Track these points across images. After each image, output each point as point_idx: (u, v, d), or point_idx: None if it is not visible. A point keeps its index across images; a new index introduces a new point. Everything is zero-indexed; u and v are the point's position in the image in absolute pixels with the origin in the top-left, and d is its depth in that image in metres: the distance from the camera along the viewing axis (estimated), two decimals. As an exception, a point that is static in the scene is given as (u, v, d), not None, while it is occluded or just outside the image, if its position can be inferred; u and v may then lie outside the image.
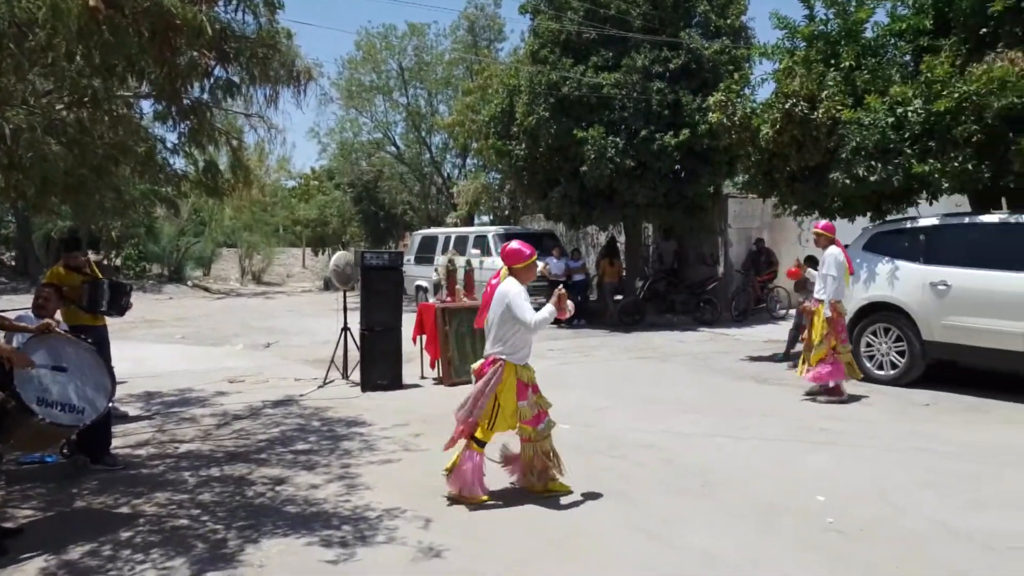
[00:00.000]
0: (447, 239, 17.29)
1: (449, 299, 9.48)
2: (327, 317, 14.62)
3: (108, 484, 5.34)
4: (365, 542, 4.27)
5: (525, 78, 14.89)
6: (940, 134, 8.62)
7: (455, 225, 22.39)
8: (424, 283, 17.08)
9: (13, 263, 28.00)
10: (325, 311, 17.82)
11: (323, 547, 4.21)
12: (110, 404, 5.12)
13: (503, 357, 4.86)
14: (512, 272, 4.96)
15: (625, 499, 4.95)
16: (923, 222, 8.84)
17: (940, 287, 8.19)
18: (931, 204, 9.69)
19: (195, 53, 5.06)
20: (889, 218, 9.67)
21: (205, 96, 5.71)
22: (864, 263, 8.92)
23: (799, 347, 10.26)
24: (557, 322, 15.21)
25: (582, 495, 4.97)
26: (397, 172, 28.50)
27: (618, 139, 13.68)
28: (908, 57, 9.87)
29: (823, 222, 8.44)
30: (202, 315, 18.99)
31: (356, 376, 8.92)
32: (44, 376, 4.58)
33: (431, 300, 9.96)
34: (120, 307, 6.18)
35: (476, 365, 5.04)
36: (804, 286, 10.31)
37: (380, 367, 8.75)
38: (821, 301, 8.00)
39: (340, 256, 9.85)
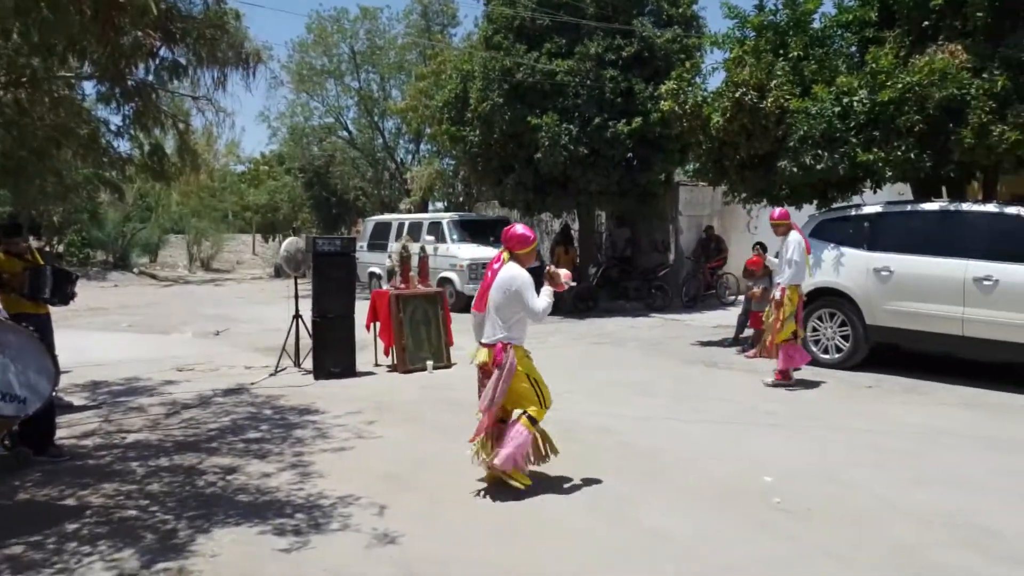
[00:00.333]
0: (401, 225, 17.16)
1: (403, 286, 9.42)
2: (278, 304, 14.44)
3: (52, 476, 5.21)
4: (319, 530, 4.25)
5: (479, 64, 14.82)
6: (884, 124, 8.84)
7: (409, 211, 22.24)
8: (377, 270, 16.96)
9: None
10: (276, 298, 17.58)
11: (276, 535, 4.18)
12: (54, 393, 4.98)
13: (512, 341, 4.83)
14: (514, 257, 4.90)
15: (582, 482, 5.00)
16: (867, 210, 9.07)
17: (883, 273, 8.43)
18: (875, 192, 9.95)
19: (140, 33, 4.93)
20: (835, 206, 9.89)
21: (150, 77, 5.58)
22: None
23: (748, 332, 10.50)
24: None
25: (539, 479, 5.01)
26: (349, 157, 28.13)
27: (572, 126, 13.72)
28: (854, 48, 10.08)
29: (778, 210, 8.49)
30: (149, 303, 18.56)
31: (308, 364, 8.82)
32: (-17, 365, 4.43)
33: (385, 287, 9.88)
34: (65, 295, 6.00)
35: (481, 356, 4.91)
36: (754, 273, 10.50)
37: (333, 355, 8.67)
38: (794, 285, 8.05)
39: (291, 242, 9.71)
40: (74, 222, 26.92)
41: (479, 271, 15.28)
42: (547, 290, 4.89)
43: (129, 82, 5.47)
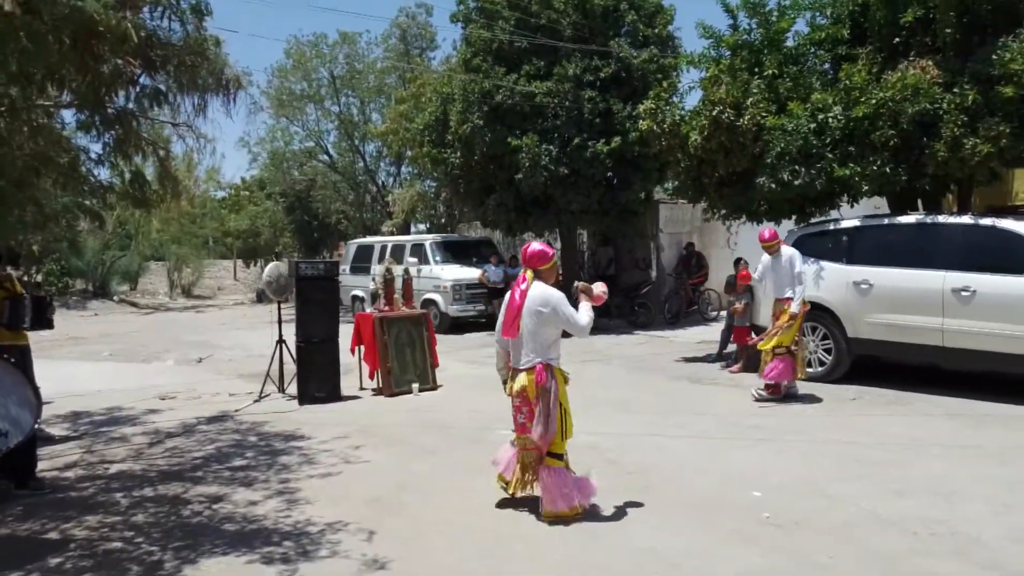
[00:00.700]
0: (383, 248, 17.16)
1: (388, 308, 9.40)
2: (261, 330, 14.34)
3: (34, 509, 5.13)
4: (308, 557, 4.21)
5: (458, 86, 14.92)
6: (859, 139, 8.98)
7: (391, 234, 22.23)
8: (361, 293, 16.92)
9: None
10: (259, 324, 17.48)
11: (264, 564, 4.14)
12: (36, 425, 4.92)
13: (552, 362, 4.73)
14: (537, 274, 4.81)
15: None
16: (845, 224, 9.19)
17: (862, 286, 8.52)
18: (852, 206, 10.07)
19: (120, 61, 4.93)
20: (813, 220, 10.00)
21: (131, 105, 5.56)
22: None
23: (731, 347, 10.56)
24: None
25: (527, 499, 5.00)
26: (330, 181, 28.13)
27: (552, 147, 13.82)
28: (827, 65, 10.25)
29: (767, 231, 8.36)
30: (130, 331, 18.39)
31: (293, 389, 8.77)
32: (-36, 398, 4.38)
33: (368, 310, 9.87)
34: (46, 320, 5.96)
35: (520, 380, 4.73)
36: (735, 288, 10.58)
37: (318, 379, 8.63)
38: (790, 299, 8.01)
39: (274, 267, 9.68)
40: (53, 251, 26.66)
41: (463, 292, 15.31)
42: (585, 305, 4.81)
43: (109, 110, 5.46)
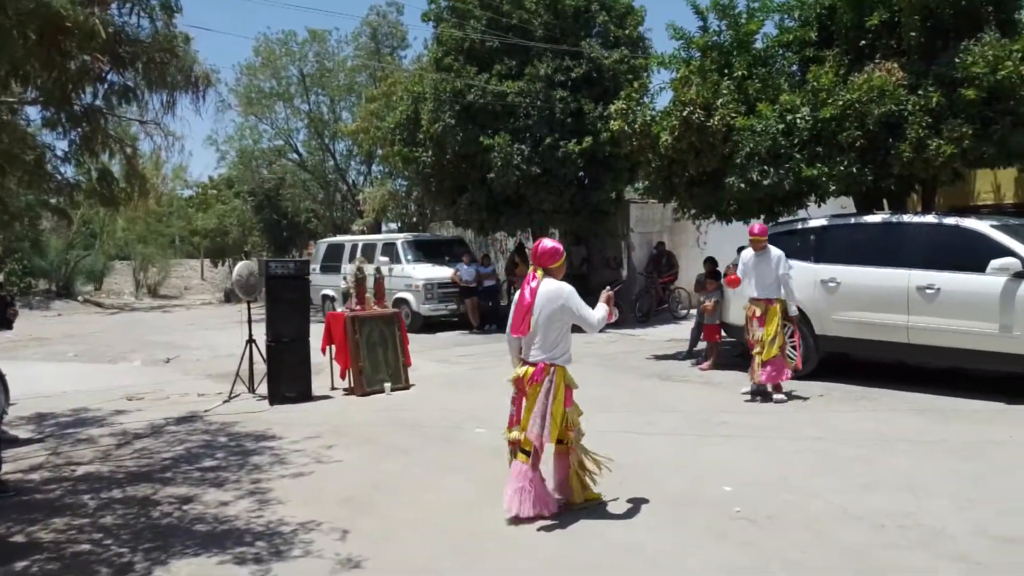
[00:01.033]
0: (354, 247, 17.03)
1: (359, 307, 9.35)
2: (230, 330, 14.20)
3: (-2, 512, 5.04)
4: (280, 557, 4.19)
5: (430, 85, 14.89)
6: (826, 139, 9.12)
7: (362, 232, 22.10)
8: (331, 292, 16.81)
9: None
10: (227, 323, 17.30)
11: (236, 565, 4.10)
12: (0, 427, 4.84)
13: (556, 362, 4.69)
14: (548, 272, 4.79)
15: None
16: (813, 223, 9.33)
17: (830, 284, 8.65)
18: (819, 206, 10.23)
19: (87, 57, 4.85)
20: (781, 220, 10.14)
21: (98, 102, 5.48)
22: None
23: (701, 345, 10.66)
24: (469, 327, 15.30)
25: (496, 497, 5.00)
26: (300, 179, 27.87)
27: (523, 146, 13.85)
28: (795, 67, 10.40)
29: (757, 226, 8.30)
30: (95, 331, 18.08)
31: (263, 389, 8.70)
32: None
33: (339, 309, 9.81)
34: (4, 320, 5.86)
35: (519, 373, 4.76)
36: (704, 287, 10.68)
37: (288, 379, 8.56)
38: (771, 300, 7.97)
39: (243, 266, 9.59)
40: (15, 251, 26.13)
41: (435, 291, 15.28)
42: (603, 307, 4.81)
43: (76, 107, 5.35)
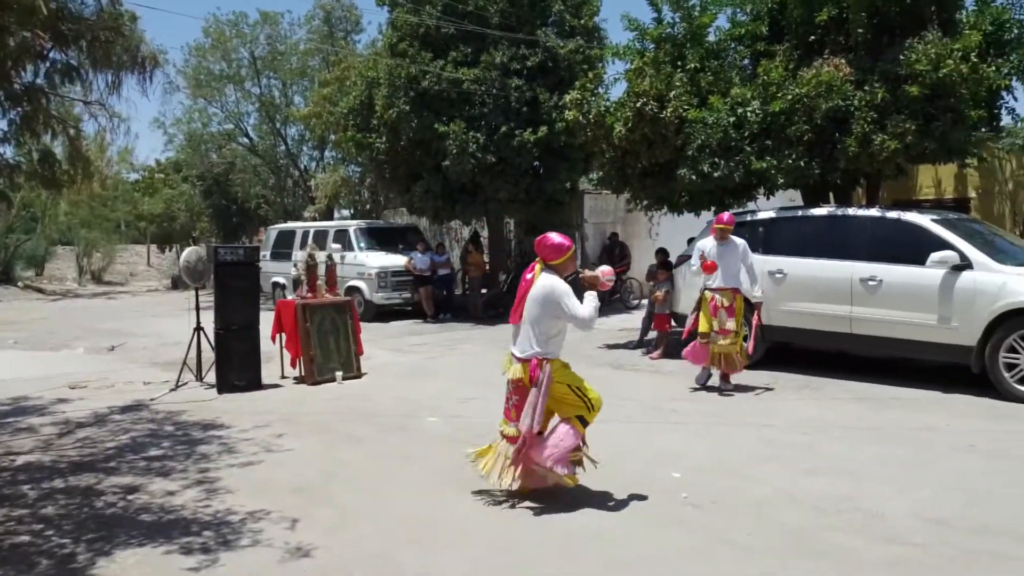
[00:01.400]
0: (306, 234, 16.84)
1: (310, 295, 9.25)
2: (177, 317, 13.92)
3: (-67, 504, 4.88)
4: (228, 547, 4.14)
5: (384, 71, 14.74)
6: (776, 133, 9.29)
7: (313, 219, 21.82)
8: (282, 279, 16.59)
9: None
10: (174, 311, 16.95)
11: (183, 555, 4.04)
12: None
13: (548, 356, 4.64)
14: (549, 267, 4.69)
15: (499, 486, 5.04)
16: (761, 215, 9.50)
17: (777, 275, 8.84)
18: (768, 198, 10.42)
19: (27, 34, 4.68)
20: (733, 211, 10.28)
21: (40, 80, 5.30)
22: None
23: (652, 334, 10.80)
24: (423, 316, 15.24)
25: (450, 485, 5.02)
26: (250, 164, 27.35)
27: (479, 134, 13.81)
28: (747, 61, 10.57)
29: (727, 214, 8.19)
30: (37, 318, 17.56)
31: (212, 378, 8.55)
32: None
33: (290, 296, 9.68)
34: None
35: (515, 371, 4.70)
36: (656, 277, 10.81)
37: (237, 367, 8.42)
38: (736, 289, 7.91)
39: (191, 252, 9.40)
40: (-50, 234, 25.24)
41: (388, 279, 15.18)
42: (590, 295, 4.65)
43: (16, 85, 5.18)
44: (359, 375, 9.15)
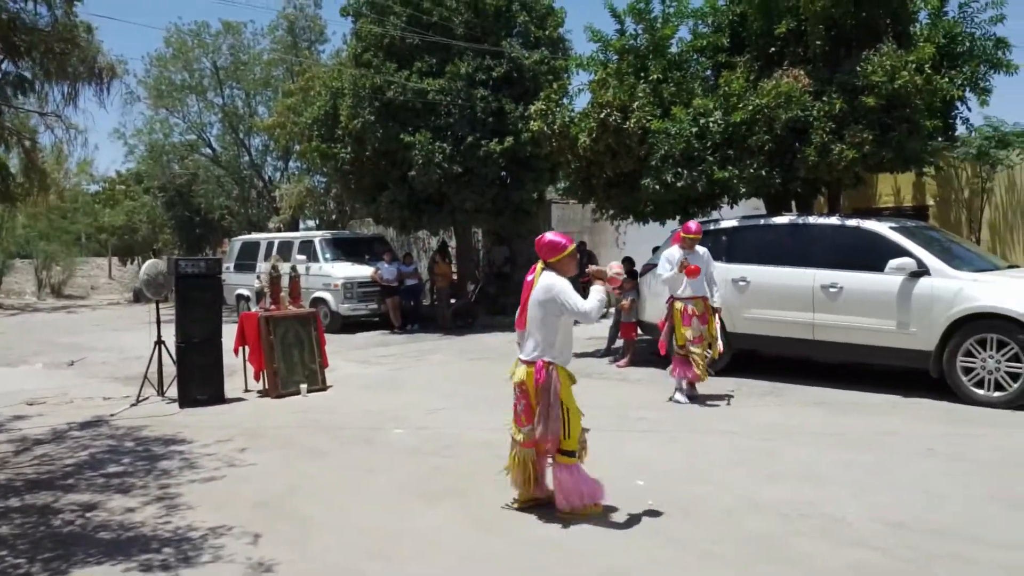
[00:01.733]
0: (270, 245, 16.67)
1: (274, 307, 9.15)
2: (138, 331, 13.66)
3: None
4: (189, 563, 4.06)
5: (349, 81, 14.68)
6: (737, 143, 9.42)
7: (278, 230, 21.61)
8: (245, 291, 16.39)
9: None
10: (136, 324, 16.64)
11: (143, 572, 3.96)
12: None
13: (555, 360, 4.54)
14: (550, 267, 4.63)
15: (460, 496, 5.02)
16: (724, 224, 9.61)
17: (741, 283, 8.94)
18: (731, 207, 10.54)
19: (-22, 45, 4.59)
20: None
21: (-9, 92, 5.19)
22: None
23: (619, 342, 10.85)
24: (390, 327, 15.14)
25: (416, 497, 4.99)
26: (213, 175, 27.01)
27: (445, 145, 13.80)
28: (709, 72, 10.70)
29: (695, 223, 8.07)
30: (-9, 333, 17.15)
31: (173, 392, 8.41)
32: None
33: (253, 309, 9.56)
34: None
35: (519, 374, 4.62)
36: (622, 286, 10.83)
37: (199, 381, 8.29)
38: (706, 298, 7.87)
39: (152, 265, 9.26)
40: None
41: (354, 290, 15.07)
42: (596, 289, 4.54)
43: (-34, 96, 5.09)
44: (324, 388, 9.06)
